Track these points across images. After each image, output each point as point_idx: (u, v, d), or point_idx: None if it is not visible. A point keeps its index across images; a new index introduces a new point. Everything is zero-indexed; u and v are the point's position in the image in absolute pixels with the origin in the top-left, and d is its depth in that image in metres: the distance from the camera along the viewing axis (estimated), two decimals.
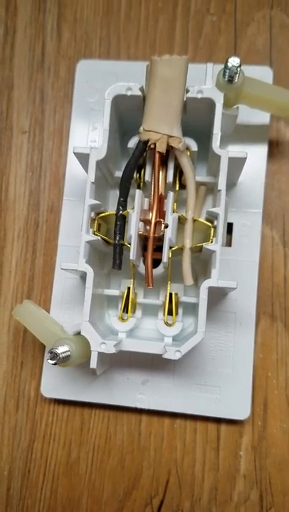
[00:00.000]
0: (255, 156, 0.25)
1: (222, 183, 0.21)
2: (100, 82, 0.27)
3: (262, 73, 0.26)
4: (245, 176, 0.25)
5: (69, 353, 0.20)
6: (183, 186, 0.24)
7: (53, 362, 0.20)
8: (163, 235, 0.22)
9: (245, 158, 0.22)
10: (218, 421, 0.25)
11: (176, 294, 0.24)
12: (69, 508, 0.26)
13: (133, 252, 0.22)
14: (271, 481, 0.25)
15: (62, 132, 0.28)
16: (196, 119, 0.23)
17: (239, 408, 0.24)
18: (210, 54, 0.27)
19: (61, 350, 0.20)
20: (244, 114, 0.25)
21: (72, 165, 0.26)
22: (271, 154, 0.26)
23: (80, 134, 0.27)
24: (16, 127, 0.29)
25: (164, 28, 0.28)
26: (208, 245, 0.21)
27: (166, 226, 0.22)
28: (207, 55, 0.27)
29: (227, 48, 0.27)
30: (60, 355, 0.19)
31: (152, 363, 0.25)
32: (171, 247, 0.22)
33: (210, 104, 0.22)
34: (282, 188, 0.26)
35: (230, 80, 0.21)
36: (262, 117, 0.25)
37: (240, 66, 0.21)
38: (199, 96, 0.22)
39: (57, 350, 0.20)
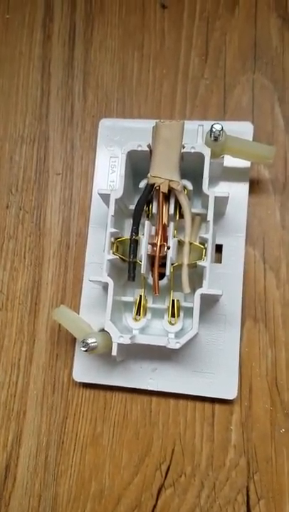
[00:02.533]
0: (239, 192, 0.32)
1: (210, 216, 0.28)
2: (118, 135, 0.34)
3: (244, 127, 0.33)
4: (231, 208, 0.32)
5: (96, 343, 0.27)
6: (182, 216, 0.31)
7: (84, 349, 0.27)
8: (166, 254, 0.29)
9: (228, 197, 0.29)
10: (212, 401, 0.32)
11: (177, 300, 0.31)
12: (95, 472, 0.32)
13: (143, 267, 0.29)
14: (256, 450, 0.31)
15: (88, 174, 0.35)
16: (192, 166, 0.30)
17: (228, 390, 0.31)
18: (204, 111, 0.35)
19: (90, 341, 0.27)
20: (230, 160, 0.32)
21: (95, 200, 0.34)
22: (253, 190, 0.33)
23: (102, 176, 0.34)
24: (51, 170, 0.36)
25: (167, 90, 0.36)
26: (200, 262, 0.28)
27: (168, 248, 0.29)
28: (202, 113, 0.35)
29: (218, 106, 0.35)
30: (90, 345, 0.27)
31: (160, 354, 0.31)
32: (172, 264, 0.29)
33: (201, 156, 0.29)
34: (262, 217, 0.33)
35: (216, 139, 0.28)
36: (244, 162, 0.32)
37: (222, 129, 0.28)
38: (192, 151, 0.29)
39: (87, 341, 0.27)
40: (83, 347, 0.26)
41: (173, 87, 0.35)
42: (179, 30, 0.36)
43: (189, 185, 0.31)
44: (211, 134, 0.28)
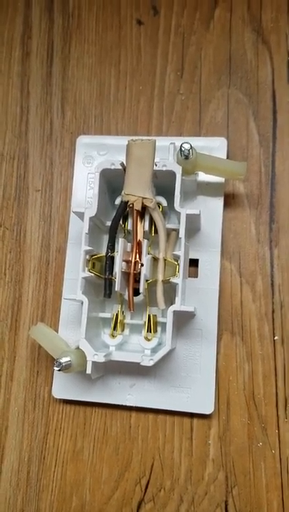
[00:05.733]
0: (214, 207, 0.32)
1: (182, 233, 0.28)
2: (95, 152, 0.35)
3: (219, 143, 0.33)
4: (206, 222, 0.32)
5: (70, 362, 0.27)
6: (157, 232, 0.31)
7: (57, 369, 0.27)
8: (140, 271, 0.29)
9: (199, 214, 0.29)
10: (191, 416, 0.32)
11: (154, 316, 0.31)
12: (76, 487, 0.32)
13: (118, 284, 0.29)
14: (234, 464, 0.31)
15: (67, 190, 0.36)
16: (167, 183, 0.30)
17: (205, 404, 0.31)
18: (180, 127, 0.35)
19: (64, 360, 0.27)
20: (205, 176, 0.32)
21: (74, 216, 0.34)
22: (228, 204, 0.33)
23: (80, 192, 0.34)
24: (31, 186, 0.36)
25: (144, 107, 0.36)
26: (173, 279, 0.29)
27: (142, 265, 0.29)
28: (178, 128, 0.35)
29: (194, 122, 0.35)
30: (63, 364, 0.27)
31: (138, 370, 0.31)
32: (146, 280, 0.29)
33: (173, 174, 0.29)
34: (237, 231, 0.33)
35: (186, 158, 0.29)
36: (219, 178, 0.32)
37: (191, 148, 0.28)
38: (164, 169, 0.29)
39: (61, 360, 0.27)
40: (56, 366, 0.27)
41: (149, 103, 0.36)
42: (154, 46, 0.36)
43: (164, 202, 0.31)
44: (181, 153, 0.28)
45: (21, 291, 0.35)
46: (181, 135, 0.35)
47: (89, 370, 0.28)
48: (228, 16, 0.36)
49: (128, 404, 0.32)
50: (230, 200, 0.33)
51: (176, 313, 0.28)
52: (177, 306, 0.28)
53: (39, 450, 0.33)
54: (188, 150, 0.28)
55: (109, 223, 0.31)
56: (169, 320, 0.28)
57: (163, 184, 0.30)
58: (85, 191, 0.34)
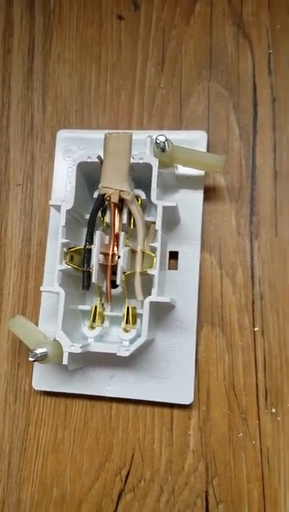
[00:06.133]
0: (194, 200, 0.33)
1: (158, 225, 0.29)
2: (75, 146, 0.35)
3: (199, 136, 0.33)
4: (186, 215, 0.32)
5: (46, 353, 0.28)
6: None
7: (32, 359, 0.27)
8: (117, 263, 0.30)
9: (175, 206, 0.29)
10: (171, 406, 0.32)
11: (133, 308, 0.31)
12: (56, 478, 0.33)
13: (94, 276, 0.29)
14: (214, 454, 0.31)
15: (47, 184, 0.36)
16: (145, 175, 0.30)
17: (184, 395, 0.31)
18: (161, 121, 0.35)
19: (39, 351, 0.27)
20: (186, 168, 0.32)
21: (54, 210, 0.34)
22: (209, 197, 0.33)
23: (60, 186, 0.35)
24: (12, 181, 0.37)
25: (124, 101, 0.36)
26: (150, 271, 0.29)
27: (119, 257, 0.29)
28: (159, 122, 0.35)
29: (174, 116, 0.35)
30: (38, 355, 0.27)
31: (118, 361, 0.31)
32: (124, 272, 0.30)
33: (149, 167, 0.29)
34: (217, 223, 0.33)
35: (162, 150, 0.29)
36: (199, 171, 0.33)
37: (167, 140, 0.28)
38: (141, 161, 0.29)
39: (36, 351, 0.27)
40: (31, 357, 0.27)
41: (130, 97, 0.36)
42: (135, 40, 0.37)
43: (142, 195, 0.31)
44: (157, 145, 0.28)
45: (2, 285, 0.35)
46: (162, 129, 0.35)
47: (65, 361, 0.28)
48: (208, 10, 0.36)
49: (108, 395, 0.32)
50: (210, 193, 0.34)
51: (153, 304, 0.29)
52: (153, 297, 0.28)
53: (20, 441, 0.33)
54: (164, 142, 0.28)
55: (88, 216, 0.31)
56: (145, 310, 0.28)
57: (142, 177, 0.31)
58: (65, 185, 0.35)
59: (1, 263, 0.35)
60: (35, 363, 0.32)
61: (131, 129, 0.35)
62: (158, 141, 0.28)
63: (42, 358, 0.27)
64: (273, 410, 0.31)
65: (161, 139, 0.28)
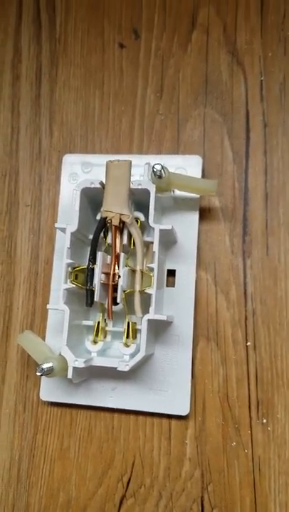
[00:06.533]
0: (190, 221, 0.35)
1: (155, 247, 0.31)
2: (79, 169, 0.37)
3: (195, 161, 0.35)
4: (182, 235, 0.34)
5: (52, 367, 0.30)
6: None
7: (40, 374, 0.29)
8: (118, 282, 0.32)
9: (171, 229, 0.31)
10: (169, 417, 0.34)
11: (134, 323, 0.33)
12: (63, 483, 0.35)
13: (97, 295, 0.31)
14: (210, 462, 0.33)
15: (54, 205, 0.38)
16: (144, 198, 0.32)
17: (181, 406, 0.33)
18: (160, 145, 0.37)
19: (46, 365, 0.29)
20: (181, 192, 0.34)
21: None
22: (204, 218, 0.35)
23: (66, 206, 0.37)
24: (21, 202, 0.39)
25: (126, 126, 0.38)
26: (147, 290, 0.31)
27: (119, 276, 0.31)
28: (158, 146, 0.37)
29: (172, 140, 0.37)
30: (45, 369, 0.29)
31: (119, 374, 0.33)
32: (124, 291, 0.32)
33: (148, 192, 0.31)
34: (212, 243, 0.35)
35: (159, 177, 0.31)
36: (194, 194, 0.35)
37: (163, 168, 0.30)
38: (139, 187, 0.31)
39: (42, 366, 0.29)
40: (38, 372, 0.29)
41: (131, 122, 0.38)
42: (136, 68, 0.39)
43: (141, 217, 0.33)
44: (154, 173, 0.30)
45: (12, 300, 0.37)
46: (161, 153, 0.37)
47: (70, 375, 0.30)
48: (204, 38, 0.38)
49: (110, 406, 0.34)
50: (206, 214, 0.35)
51: (151, 321, 0.31)
52: (151, 315, 0.30)
53: (29, 449, 0.35)
54: (160, 170, 0.30)
55: (91, 236, 0.33)
56: (143, 328, 0.30)
57: (141, 200, 0.33)
58: (71, 206, 0.37)
59: (10, 280, 0.38)
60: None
61: (131, 153, 0.37)
62: (155, 170, 0.30)
63: (48, 372, 0.29)
64: (264, 421, 0.33)
65: (158, 167, 0.30)
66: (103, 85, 0.39)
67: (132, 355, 0.32)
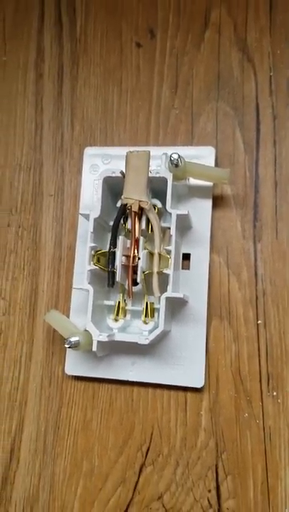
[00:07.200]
0: (204, 208, 0.37)
1: (172, 231, 0.33)
2: (100, 161, 0.40)
3: (208, 151, 0.38)
4: (197, 221, 0.37)
5: (78, 341, 0.32)
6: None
7: (68, 346, 0.32)
8: (137, 264, 0.34)
9: (187, 214, 0.33)
10: (185, 389, 0.36)
11: (151, 303, 0.36)
12: (86, 453, 0.37)
13: (118, 276, 0.34)
14: (223, 432, 0.35)
15: (76, 195, 0.41)
16: (161, 187, 0.35)
17: (197, 379, 0.35)
18: (175, 138, 0.40)
19: (73, 339, 0.32)
20: (196, 180, 0.37)
21: (82, 217, 0.39)
22: (217, 205, 0.38)
23: (87, 196, 0.39)
24: (45, 192, 0.42)
25: (143, 120, 0.41)
26: (165, 270, 0.33)
27: (139, 258, 0.34)
28: (173, 139, 0.40)
29: (186, 133, 0.40)
30: (72, 342, 0.32)
31: (138, 350, 0.36)
32: (143, 272, 0.34)
33: (165, 180, 0.34)
34: (225, 228, 0.38)
35: (176, 166, 0.33)
36: (207, 182, 0.37)
37: (179, 157, 0.33)
38: (157, 175, 0.34)
39: (70, 339, 0.32)
40: (66, 344, 0.32)
41: (147, 117, 0.41)
42: (152, 66, 0.41)
43: (159, 204, 0.36)
44: (171, 162, 0.33)
45: (37, 284, 0.40)
46: (176, 145, 0.39)
47: (94, 348, 0.33)
48: (216, 37, 0.41)
49: (130, 379, 0.36)
50: (219, 201, 0.38)
51: (168, 299, 0.33)
52: (169, 293, 0.33)
53: (54, 421, 0.38)
54: (177, 159, 0.33)
55: (112, 223, 0.36)
56: (162, 305, 0.33)
57: (158, 188, 0.35)
58: (91, 195, 0.39)
59: (36, 265, 0.41)
60: (67, 350, 0.37)
61: (148, 145, 0.40)
62: (172, 158, 0.33)
63: (75, 345, 0.32)
64: (274, 393, 0.35)
65: (175, 156, 0.32)
66: (121, 82, 0.42)
67: (151, 331, 0.35)
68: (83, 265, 0.38)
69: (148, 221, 0.35)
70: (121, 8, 0.43)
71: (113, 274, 0.35)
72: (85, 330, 0.34)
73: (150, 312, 0.35)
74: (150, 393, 0.37)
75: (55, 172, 0.42)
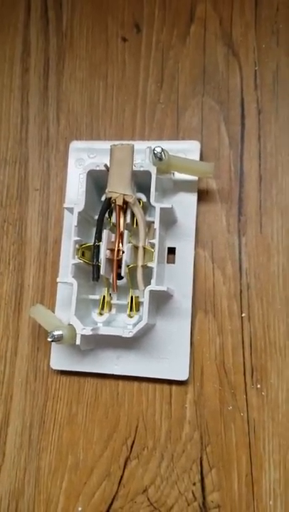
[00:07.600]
0: (189, 202, 0.37)
1: (156, 224, 0.33)
2: (85, 155, 0.40)
3: (193, 146, 0.38)
4: (182, 215, 0.37)
5: (61, 334, 0.32)
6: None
7: (51, 340, 0.32)
8: (121, 258, 0.34)
9: (171, 208, 0.34)
10: (170, 383, 0.36)
11: (136, 297, 0.36)
12: (71, 447, 0.37)
13: (103, 269, 0.34)
14: (208, 425, 0.36)
15: (62, 189, 0.41)
16: (145, 180, 0.35)
17: (181, 372, 0.35)
18: (160, 132, 0.40)
19: (56, 333, 0.32)
20: (181, 174, 0.37)
21: (67, 211, 0.39)
22: (203, 199, 0.38)
23: (73, 190, 0.39)
24: (31, 186, 0.42)
25: (128, 115, 0.41)
26: (149, 264, 0.33)
27: (123, 252, 0.34)
28: (159, 133, 0.40)
29: (172, 127, 0.40)
30: (55, 335, 0.32)
31: (123, 343, 0.36)
32: (128, 266, 0.34)
33: (149, 174, 0.34)
34: (210, 223, 0.38)
35: (160, 159, 0.33)
36: (193, 176, 0.37)
37: (163, 151, 0.33)
38: (141, 169, 0.34)
39: (53, 332, 0.32)
40: (49, 338, 0.32)
41: (133, 111, 0.41)
42: (137, 60, 0.41)
43: (143, 198, 0.36)
44: (154, 155, 0.33)
45: (23, 278, 0.40)
46: (162, 139, 0.40)
47: (78, 342, 0.33)
48: (202, 31, 0.41)
49: (115, 373, 0.36)
50: (204, 196, 0.38)
51: (152, 292, 0.33)
52: (152, 286, 0.33)
53: (39, 415, 0.38)
54: (160, 153, 0.33)
55: (97, 217, 0.36)
56: (145, 298, 0.33)
57: (143, 182, 0.35)
58: (77, 189, 0.39)
59: (22, 259, 0.40)
60: (52, 345, 0.37)
61: (134, 140, 0.40)
62: (155, 152, 0.33)
63: (58, 339, 0.32)
64: (258, 386, 0.35)
65: (158, 150, 0.32)
66: (107, 77, 0.42)
67: (135, 325, 0.35)
68: (68, 259, 0.38)
69: (133, 215, 0.35)
70: (107, 3, 0.43)
71: (98, 267, 0.35)
72: (69, 324, 0.34)
73: (135, 306, 0.36)
74: (135, 386, 0.37)
75: (41, 166, 0.42)
